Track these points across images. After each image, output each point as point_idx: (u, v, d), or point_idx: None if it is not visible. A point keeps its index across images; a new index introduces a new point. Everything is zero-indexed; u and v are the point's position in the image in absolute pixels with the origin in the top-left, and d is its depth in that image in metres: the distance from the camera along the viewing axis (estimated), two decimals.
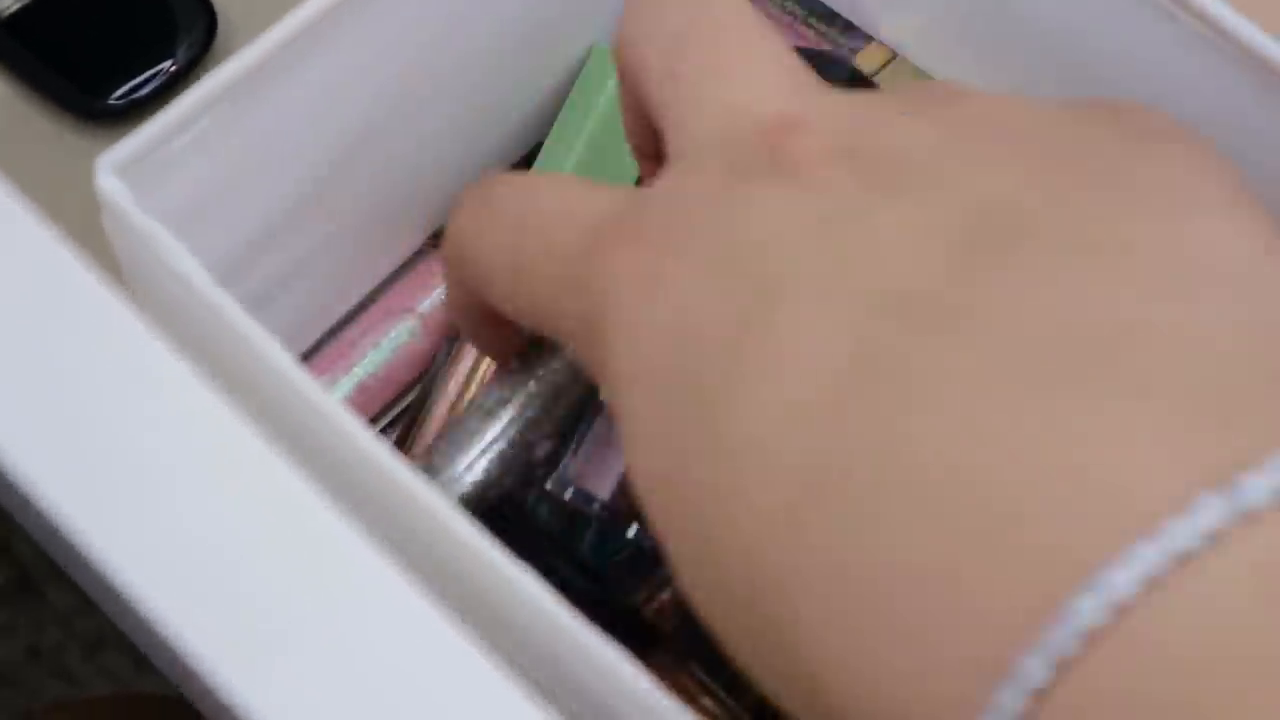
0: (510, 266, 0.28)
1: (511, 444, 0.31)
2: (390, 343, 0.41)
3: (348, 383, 0.40)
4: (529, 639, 0.26)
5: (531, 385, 0.32)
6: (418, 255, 0.42)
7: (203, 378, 0.25)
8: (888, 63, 0.42)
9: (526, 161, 0.42)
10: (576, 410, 0.33)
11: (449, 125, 0.39)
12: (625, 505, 0.35)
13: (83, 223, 0.31)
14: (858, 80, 0.39)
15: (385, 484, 0.26)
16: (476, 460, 0.31)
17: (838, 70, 0.40)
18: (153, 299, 0.29)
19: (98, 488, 0.25)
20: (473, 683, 0.24)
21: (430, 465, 0.31)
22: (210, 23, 0.46)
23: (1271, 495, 0.20)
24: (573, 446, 0.34)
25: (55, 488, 0.24)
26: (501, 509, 0.35)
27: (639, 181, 0.33)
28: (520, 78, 0.41)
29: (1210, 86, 0.33)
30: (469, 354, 0.40)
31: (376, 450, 0.26)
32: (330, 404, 0.27)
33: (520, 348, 0.32)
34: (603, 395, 0.27)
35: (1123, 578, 0.20)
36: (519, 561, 0.26)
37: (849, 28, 0.43)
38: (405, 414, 0.41)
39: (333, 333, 0.41)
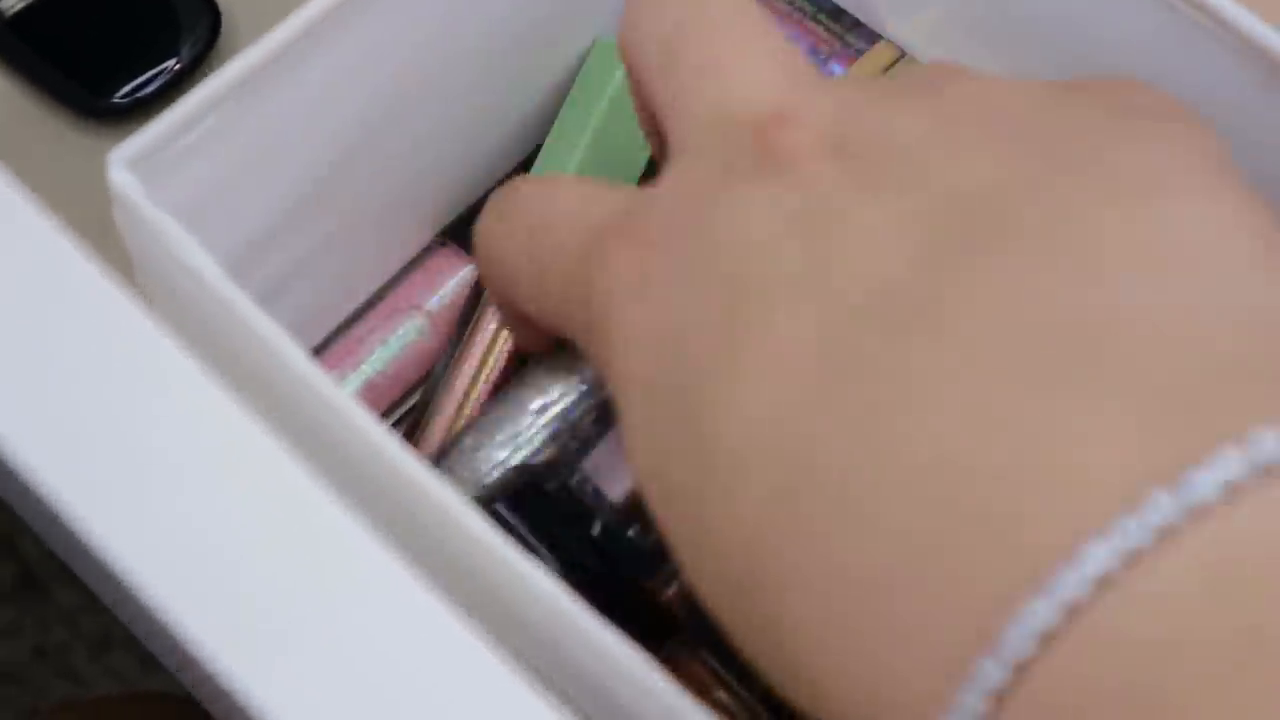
0: (528, 268, 0.29)
1: (561, 422, 0.31)
2: (398, 340, 0.41)
3: (355, 380, 0.40)
4: (540, 635, 0.26)
5: (576, 377, 0.32)
6: (425, 252, 0.42)
7: (210, 373, 0.25)
8: (895, 61, 0.42)
9: (532, 157, 0.42)
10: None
11: (454, 121, 0.39)
12: (634, 505, 0.35)
13: (88, 221, 0.31)
14: None
15: (396, 479, 0.26)
16: (524, 433, 0.31)
17: None
18: (164, 295, 0.30)
19: (106, 484, 0.25)
20: (482, 678, 0.24)
21: (474, 439, 0.31)
22: (214, 21, 0.46)
23: (1219, 490, 0.20)
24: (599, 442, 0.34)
25: (63, 483, 0.24)
26: (520, 490, 0.36)
27: (650, 171, 0.33)
28: (525, 73, 0.41)
29: (1215, 79, 0.33)
30: (476, 353, 0.40)
31: (388, 444, 0.26)
32: (341, 398, 0.27)
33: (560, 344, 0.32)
34: (606, 376, 0.27)
35: (1074, 578, 0.20)
36: (530, 556, 0.26)
37: (856, 25, 0.43)
38: (411, 412, 0.41)
39: (340, 330, 0.41)
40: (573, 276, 0.27)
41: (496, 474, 0.31)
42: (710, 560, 0.24)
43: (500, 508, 0.34)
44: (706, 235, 0.25)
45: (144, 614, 0.24)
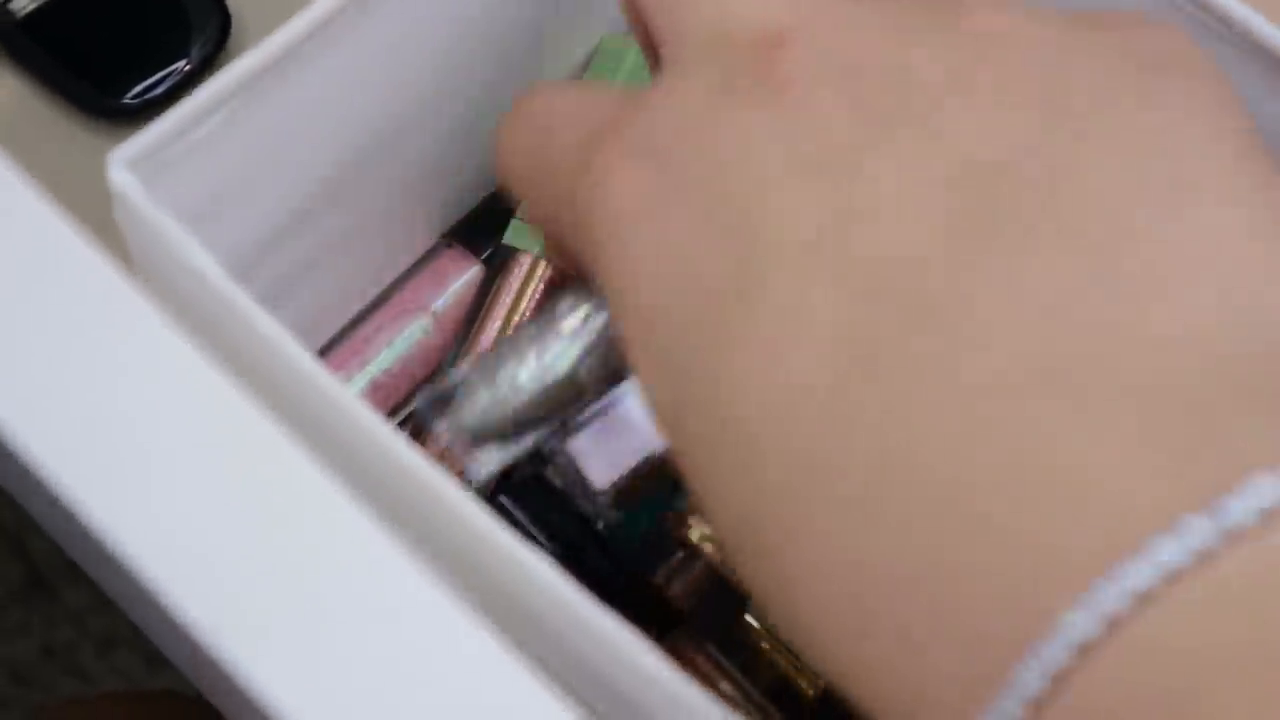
0: (529, 168, 0.28)
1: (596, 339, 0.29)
2: (404, 340, 0.41)
3: (361, 379, 0.41)
4: (545, 626, 0.26)
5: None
6: (431, 253, 0.42)
7: (216, 362, 0.25)
8: None
9: None
10: None
11: (459, 123, 0.40)
12: (620, 493, 0.34)
13: (97, 221, 0.31)
14: None
15: (400, 473, 0.27)
16: (564, 349, 0.29)
17: None
18: (166, 295, 0.30)
19: (114, 476, 0.25)
20: (492, 674, 0.24)
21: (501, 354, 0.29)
22: (224, 22, 0.46)
23: (1254, 515, 0.20)
24: (578, 423, 0.34)
25: (76, 479, 0.24)
26: (523, 482, 0.36)
27: None
28: (531, 73, 0.41)
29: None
30: (480, 351, 0.40)
31: (392, 440, 0.26)
32: (345, 395, 0.27)
33: None
34: (609, 303, 0.26)
35: (1115, 591, 0.20)
36: (535, 549, 0.26)
37: None
38: (415, 413, 0.41)
39: (346, 330, 0.41)
40: (572, 181, 0.26)
41: (526, 389, 0.29)
42: (723, 513, 0.24)
43: (504, 500, 0.34)
44: (709, 159, 0.24)
45: (153, 606, 0.25)
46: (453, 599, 0.24)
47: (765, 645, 0.36)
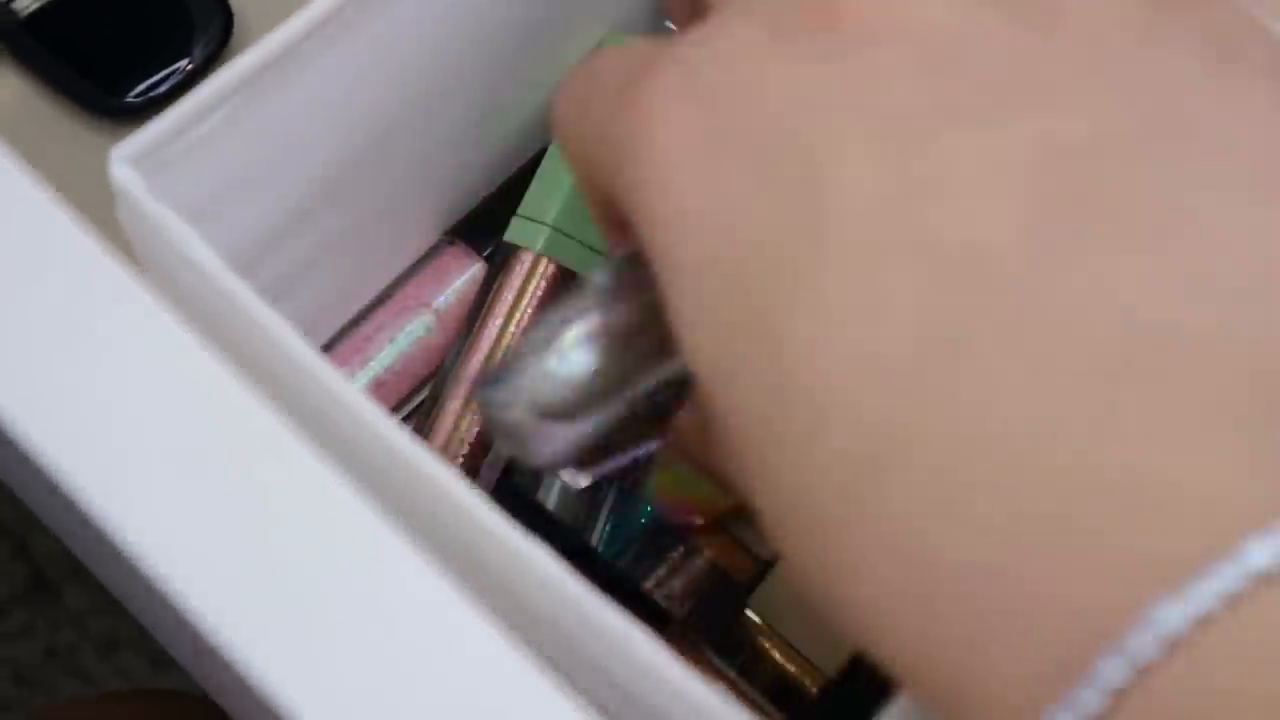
0: (573, 111, 0.27)
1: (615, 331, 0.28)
2: (406, 338, 0.41)
3: (363, 377, 0.41)
4: (551, 622, 0.26)
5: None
6: (434, 251, 0.42)
7: (225, 361, 0.25)
8: None
9: (540, 155, 0.42)
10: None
11: (462, 120, 0.40)
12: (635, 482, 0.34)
13: (100, 221, 0.31)
14: None
15: (402, 466, 0.27)
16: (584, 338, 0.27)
17: None
18: (169, 291, 0.30)
19: (120, 472, 0.25)
20: (501, 672, 0.24)
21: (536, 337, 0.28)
22: (227, 22, 0.46)
23: None
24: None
25: (77, 472, 0.25)
26: (511, 500, 0.36)
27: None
28: (534, 72, 0.41)
29: None
30: (483, 346, 0.40)
31: (394, 433, 0.27)
32: (346, 388, 0.27)
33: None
34: (648, 251, 0.24)
35: (1206, 591, 0.20)
36: (539, 543, 0.26)
37: None
38: (420, 408, 0.42)
39: (348, 328, 0.41)
40: (613, 118, 0.25)
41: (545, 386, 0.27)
42: (776, 482, 0.23)
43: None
44: (764, 108, 0.23)
45: (156, 601, 0.25)
46: (461, 595, 0.24)
47: (765, 642, 0.36)
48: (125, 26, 0.46)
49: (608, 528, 0.39)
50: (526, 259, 0.40)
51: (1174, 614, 0.20)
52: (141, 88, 0.45)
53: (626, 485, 0.33)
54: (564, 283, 0.40)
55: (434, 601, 0.24)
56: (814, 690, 0.36)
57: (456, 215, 0.42)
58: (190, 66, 0.46)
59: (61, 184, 0.32)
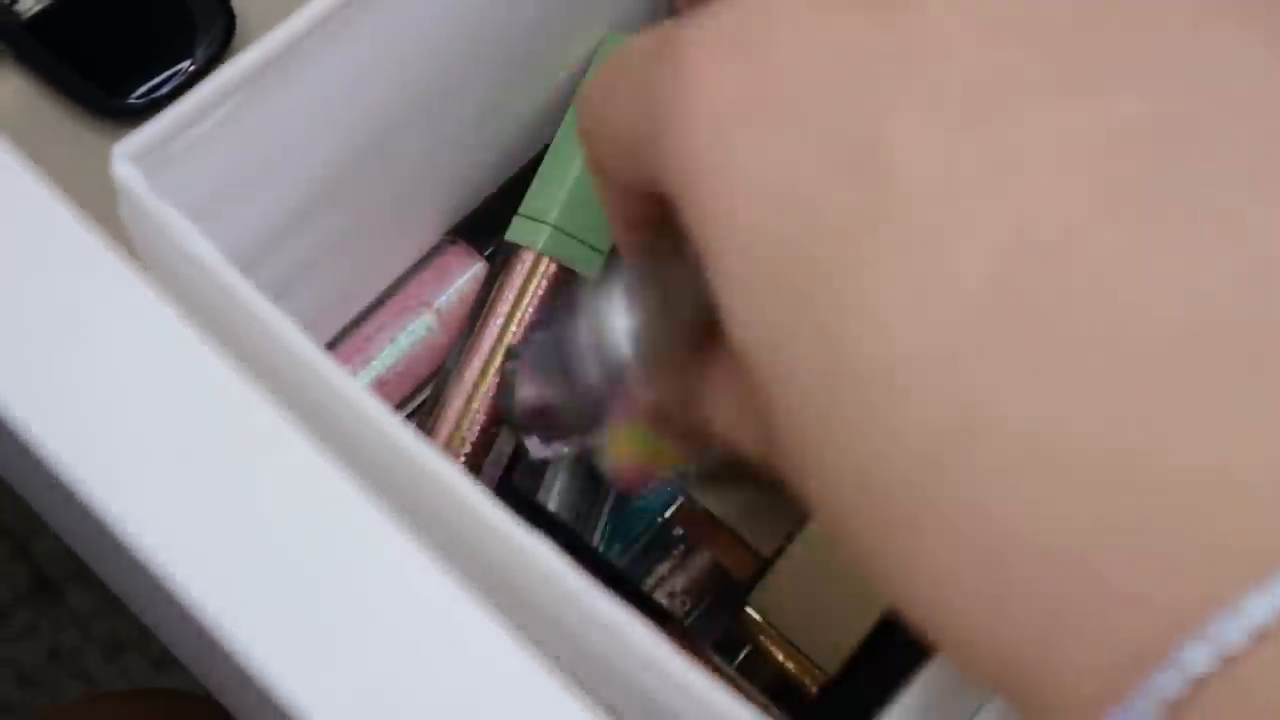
0: (605, 94, 0.26)
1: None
2: (408, 337, 0.41)
3: (365, 377, 0.41)
4: (558, 621, 0.26)
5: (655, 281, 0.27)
6: (435, 250, 0.42)
7: (226, 356, 0.25)
8: None
9: (541, 155, 0.42)
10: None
11: (463, 120, 0.40)
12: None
13: (102, 221, 0.31)
14: None
15: (402, 460, 0.27)
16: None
17: None
18: (171, 287, 0.30)
19: (123, 467, 0.25)
20: (508, 671, 0.24)
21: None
22: (229, 23, 0.46)
23: None
24: None
25: (81, 467, 0.25)
26: (512, 499, 0.36)
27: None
28: (534, 72, 0.41)
29: None
30: (485, 346, 0.40)
31: (395, 428, 0.27)
32: (350, 384, 0.27)
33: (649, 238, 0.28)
34: (690, 221, 0.23)
35: None
36: (544, 540, 0.26)
37: None
38: (422, 407, 0.42)
39: (350, 327, 0.41)
40: (649, 75, 0.24)
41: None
42: (835, 457, 0.22)
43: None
44: (819, 70, 0.22)
45: (159, 597, 0.25)
46: (465, 592, 0.24)
47: (765, 641, 0.36)
48: (127, 28, 0.46)
49: (608, 527, 0.39)
50: (528, 258, 0.40)
51: (1262, 605, 0.19)
52: (143, 89, 0.46)
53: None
54: (565, 282, 0.40)
55: (438, 598, 0.24)
56: (814, 689, 0.36)
57: (458, 215, 0.42)
58: (192, 68, 0.46)
59: (64, 185, 0.32)
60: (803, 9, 0.23)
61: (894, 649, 0.34)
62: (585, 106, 0.26)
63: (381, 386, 0.41)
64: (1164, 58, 0.22)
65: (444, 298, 0.42)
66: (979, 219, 0.22)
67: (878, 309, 0.22)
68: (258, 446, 0.25)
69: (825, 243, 0.22)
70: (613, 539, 0.38)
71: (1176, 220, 0.21)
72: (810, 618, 0.35)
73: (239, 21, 0.47)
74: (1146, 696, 0.20)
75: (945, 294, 0.21)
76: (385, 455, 0.27)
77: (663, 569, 0.36)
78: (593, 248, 0.41)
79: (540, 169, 0.41)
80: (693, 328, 0.26)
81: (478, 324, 0.41)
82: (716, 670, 0.35)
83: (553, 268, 0.40)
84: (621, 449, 0.29)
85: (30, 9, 0.46)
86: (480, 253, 0.42)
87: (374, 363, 0.41)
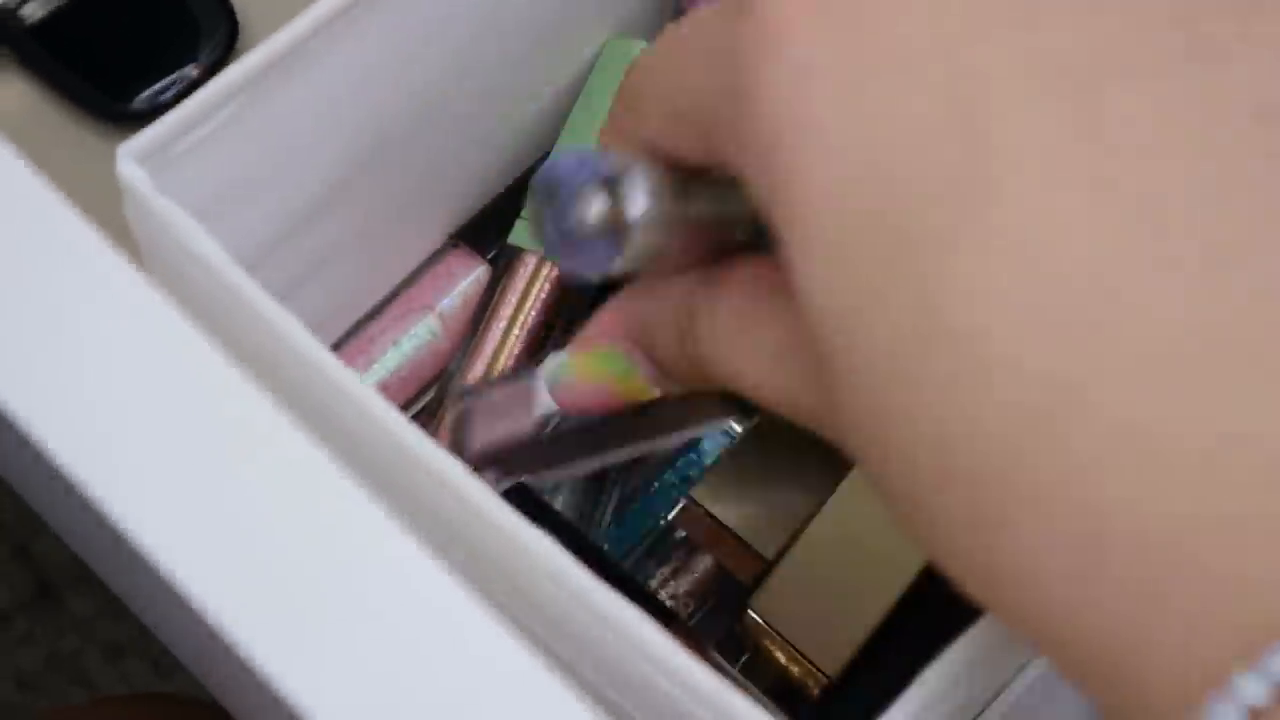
0: (659, 62, 0.25)
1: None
2: (410, 341, 0.41)
3: (368, 379, 0.41)
4: (554, 614, 0.26)
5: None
6: (438, 254, 0.42)
7: (231, 356, 0.26)
8: None
9: (545, 158, 0.42)
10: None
11: (465, 123, 0.40)
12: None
13: (107, 224, 0.31)
14: None
15: (411, 464, 0.27)
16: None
17: None
18: (176, 288, 0.30)
19: (127, 467, 0.25)
20: (509, 667, 0.24)
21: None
22: (232, 29, 0.47)
23: None
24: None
25: (84, 466, 0.25)
26: (517, 500, 0.36)
27: None
28: (538, 74, 0.41)
29: None
30: (486, 352, 0.41)
31: (400, 426, 0.27)
32: (355, 384, 0.27)
33: None
34: (760, 186, 0.23)
35: None
36: (549, 538, 0.26)
37: None
38: (424, 412, 0.42)
39: (353, 330, 0.42)
40: (723, 40, 0.23)
41: None
42: (918, 430, 0.22)
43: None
44: (910, 28, 0.22)
45: (161, 598, 0.25)
46: (470, 592, 0.24)
47: (767, 643, 0.36)
48: (131, 33, 0.47)
49: (612, 529, 0.39)
50: (530, 261, 0.41)
51: None
52: (147, 94, 0.46)
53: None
54: (567, 285, 0.41)
55: (440, 596, 0.24)
56: (816, 691, 0.36)
57: (461, 217, 0.43)
58: (196, 73, 0.46)
59: (68, 189, 0.32)
60: None
61: (896, 652, 0.35)
62: (640, 73, 0.26)
63: (384, 389, 0.41)
64: (1268, 41, 0.22)
65: (447, 301, 0.42)
66: (1082, 190, 0.21)
67: (971, 278, 0.21)
68: (261, 446, 0.25)
69: (915, 208, 0.21)
70: (617, 541, 0.38)
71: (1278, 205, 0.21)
72: (812, 620, 0.35)
73: (242, 27, 0.47)
74: (1256, 680, 0.19)
75: (1043, 265, 0.21)
76: (390, 455, 0.27)
77: (665, 571, 0.36)
78: None
79: None
80: (704, 237, 0.25)
81: (480, 327, 0.41)
82: (719, 672, 0.35)
83: (555, 271, 0.40)
84: (586, 368, 0.29)
85: (35, 14, 0.47)
86: (483, 256, 0.42)
87: (377, 366, 0.41)
